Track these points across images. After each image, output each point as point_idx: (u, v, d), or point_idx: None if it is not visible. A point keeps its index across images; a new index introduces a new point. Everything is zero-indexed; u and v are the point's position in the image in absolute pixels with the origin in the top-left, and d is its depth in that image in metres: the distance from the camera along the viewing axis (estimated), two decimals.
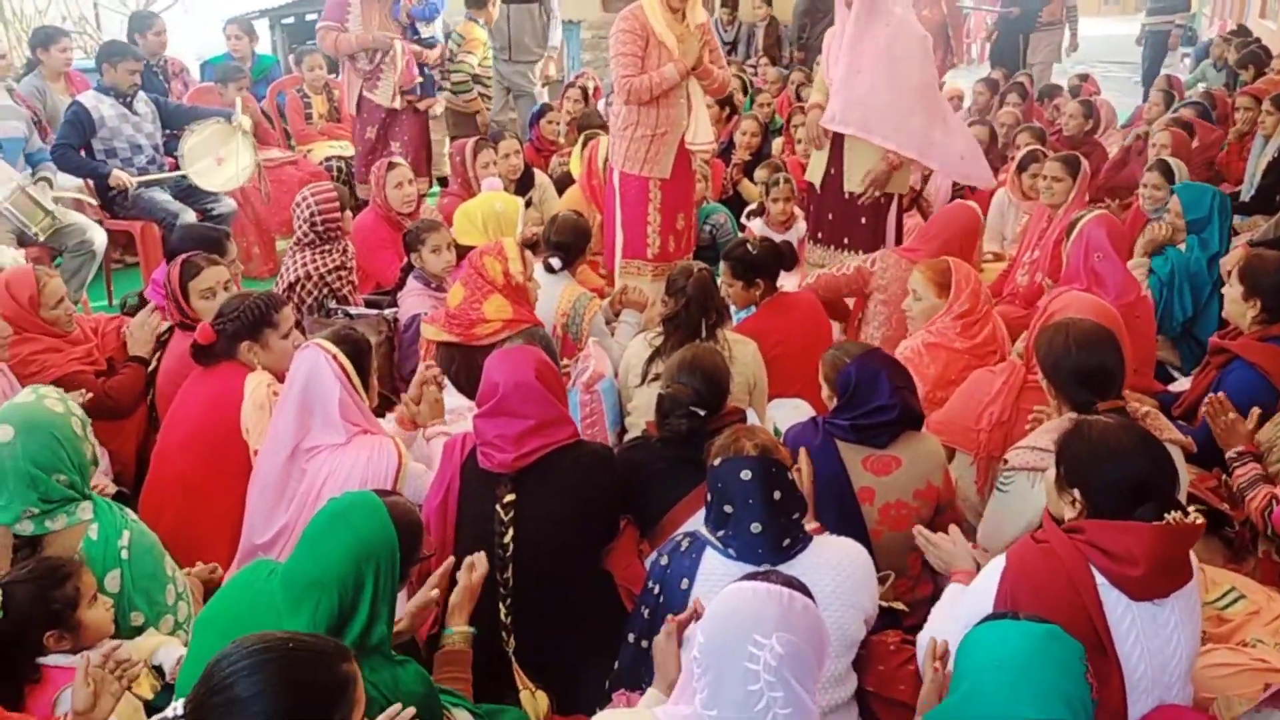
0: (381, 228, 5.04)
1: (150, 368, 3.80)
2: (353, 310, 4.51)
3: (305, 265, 4.49)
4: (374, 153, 6.22)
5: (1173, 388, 3.98)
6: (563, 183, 6.34)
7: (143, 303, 4.16)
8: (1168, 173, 4.99)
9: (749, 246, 4.02)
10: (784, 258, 4.09)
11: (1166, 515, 2.04)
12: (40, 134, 5.78)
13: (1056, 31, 10.18)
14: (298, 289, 4.47)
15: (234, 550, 3.04)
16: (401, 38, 6.17)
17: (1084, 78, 9.04)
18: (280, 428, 2.90)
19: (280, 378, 3.23)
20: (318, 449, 2.91)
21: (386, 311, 4.48)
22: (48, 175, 5.27)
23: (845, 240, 4.91)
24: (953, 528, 2.65)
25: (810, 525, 2.48)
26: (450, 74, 7.48)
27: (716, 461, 2.31)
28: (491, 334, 3.58)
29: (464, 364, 3.47)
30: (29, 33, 12.11)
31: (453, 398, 3.74)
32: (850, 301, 4.60)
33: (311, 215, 4.49)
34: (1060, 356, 2.75)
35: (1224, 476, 3.17)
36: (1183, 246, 4.42)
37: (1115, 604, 2.05)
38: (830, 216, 4.95)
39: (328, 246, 4.55)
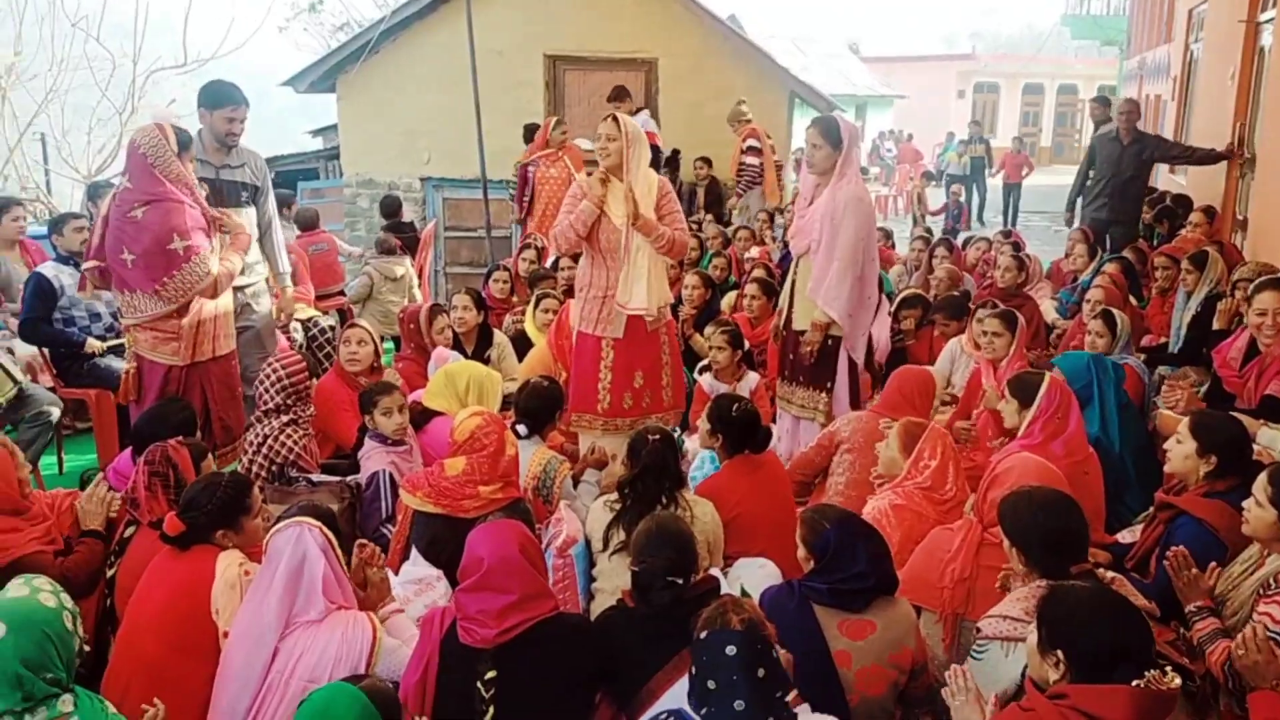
0: (342, 389, 5.07)
1: (109, 548, 3.72)
2: (314, 478, 4.50)
3: (276, 433, 4.50)
4: None
5: (1122, 538, 4.10)
6: (516, 341, 6.44)
7: None
8: (1110, 322, 5.19)
9: (734, 407, 4.14)
10: (757, 430, 4.17)
11: (1146, 674, 2.12)
12: None
13: None
14: (264, 452, 4.47)
15: None
16: None
17: (1008, 233, 9.49)
18: (266, 612, 2.87)
19: (252, 557, 3.22)
20: (293, 627, 2.90)
21: (349, 478, 4.48)
22: (10, 346, 5.26)
23: (801, 377, 5.12)
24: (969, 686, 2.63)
25: (789, 695, 2.51)
26: None
27: (703, 634, 2.34)
28: (479, 508, 3.60)
29: (446, 535, 3.47)
30: None
31: (419, 567, 3.73)
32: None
33: (282, 383, 4.53)
34: (1028, 526, 2.84)
35: (1181, 630, 3.26)
36: None
37: None
38: (791, 356, 5.18)
39: (296, 413, 4.58)
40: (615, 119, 4.70)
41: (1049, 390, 4.02)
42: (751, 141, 9.96)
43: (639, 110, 9.74)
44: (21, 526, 3.63)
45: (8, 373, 4.88)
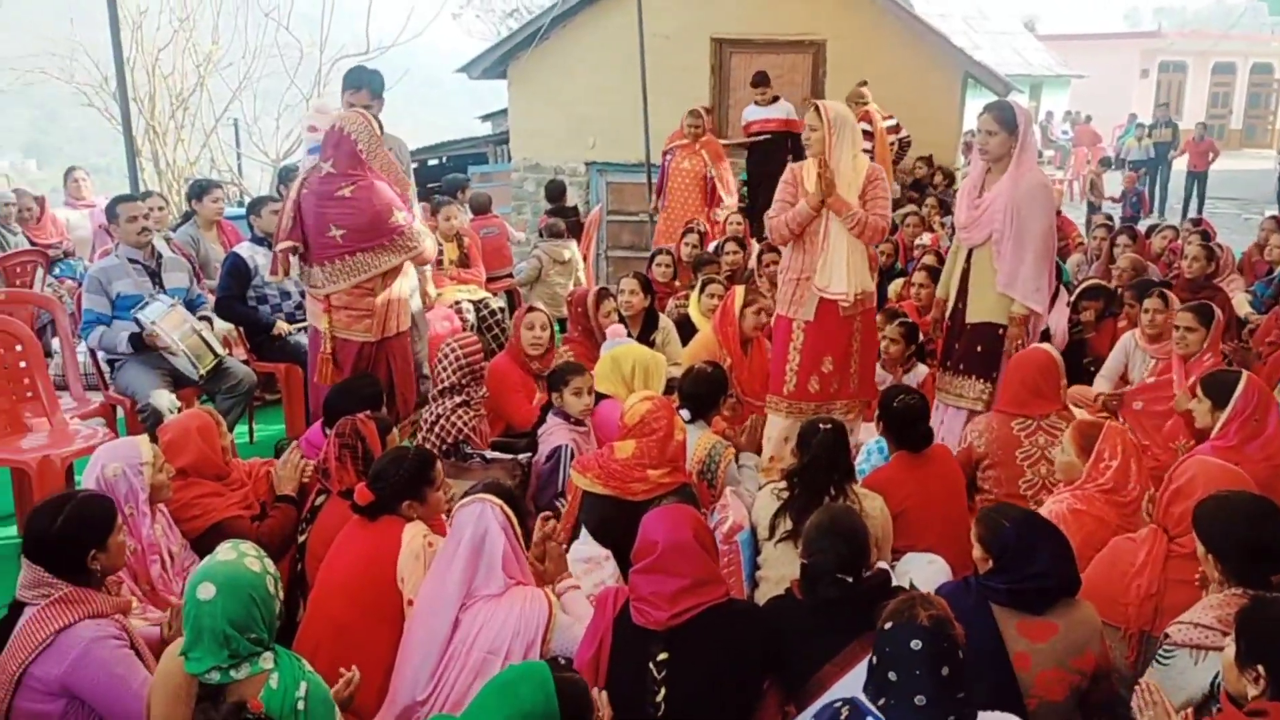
0: (515, 371, 5.21)
1: (300, 514, 3.93)
2: (488, 454, 4.65)
3: (449, 413, 4.67)
4: None
5: None
6: (679, 325, 6.47)
7: None
8: None
9: (897, 399, 4.09)
10: (918, 424, 4.10)
11: None
12: (195, 280, 6.17)
13: None
14: (436, 430, 4.64)
15: (383, 694, 3.11)
16: None
17: (1197, 221, 8.99)
18: (448, 584, 2.99)
19: (434, 528, 3.35)
20: (474, 600, 3.01)
21: (521, 456, 4.61)
22: (210, 317, 5.61)
23: (961, 366, 4.98)
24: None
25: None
26: None
27: (887, 625, 2.32)
28: (647, 492, 3.67)
29: (614, 516, 3.55)
30: (179, 182, 13.09)
31: (588, 546, 3.81)
32: None
33: (459, 363, 4.70)
34: (1227, 533, 2.71)
35: None
36: None
37: None
38: (956, 346, 5.05)
39: (469, 393, 4.74)
40: (817, 108, 4.66)
41: (1246, 390, 3.80)
42: (864, 125, 9.75)
43: (775, 99, 9.66)
44: (223, 492, 3.88)
45: (209, 346, 5.20)
